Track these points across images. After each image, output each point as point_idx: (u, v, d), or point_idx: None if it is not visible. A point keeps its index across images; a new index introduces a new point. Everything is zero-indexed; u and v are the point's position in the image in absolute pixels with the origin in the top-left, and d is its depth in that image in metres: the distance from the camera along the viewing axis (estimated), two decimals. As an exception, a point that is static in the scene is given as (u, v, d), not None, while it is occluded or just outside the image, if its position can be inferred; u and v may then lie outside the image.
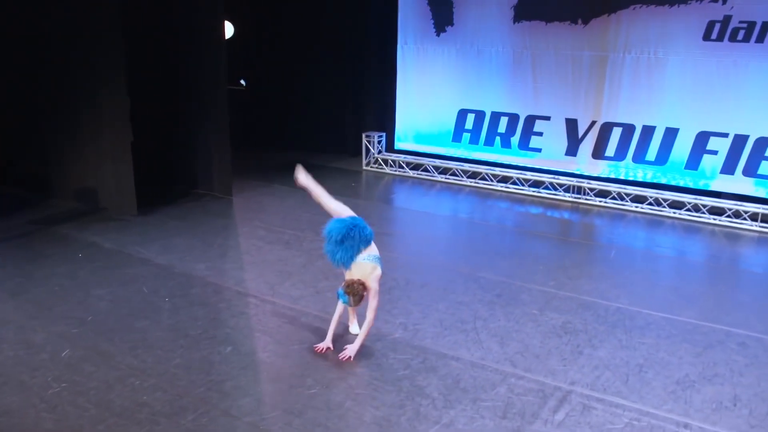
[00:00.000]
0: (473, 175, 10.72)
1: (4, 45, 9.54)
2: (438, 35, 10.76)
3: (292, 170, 10.03)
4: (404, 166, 11.40)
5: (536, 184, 10.21)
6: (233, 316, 6.22)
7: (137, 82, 9.81)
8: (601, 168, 9.78)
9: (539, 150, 10.26)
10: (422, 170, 11.27)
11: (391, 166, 11.52)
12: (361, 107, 12.03)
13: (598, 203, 9.66)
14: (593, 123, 9.70)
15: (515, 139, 10.43)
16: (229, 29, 12.94)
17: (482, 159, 10.79)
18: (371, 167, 11.68)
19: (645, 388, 4.99)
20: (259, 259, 7.62)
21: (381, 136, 11.64)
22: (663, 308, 6.36)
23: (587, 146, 9.82)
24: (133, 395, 4.91)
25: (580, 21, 9.46)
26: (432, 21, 10.75)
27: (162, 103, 10.09)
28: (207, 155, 9.98)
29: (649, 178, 9.43)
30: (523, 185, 10.26)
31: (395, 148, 11.75)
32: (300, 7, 12.15)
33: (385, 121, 11.84)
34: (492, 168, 10.61)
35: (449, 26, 10.61)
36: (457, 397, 4.89)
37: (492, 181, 10.52)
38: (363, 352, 5.50)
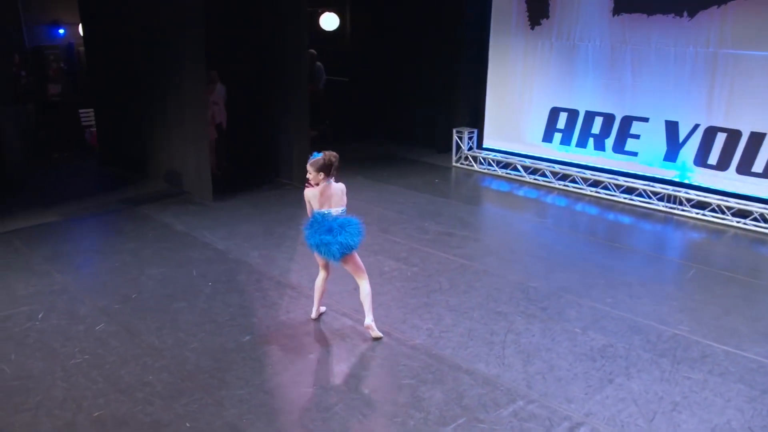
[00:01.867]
0: (563, 177, 10.07)
1: (111, 46, 10.38)
2: (532, 28, 10.18)
3: (380, 163, 10.02)
4: (493, 164, 10.95)
5: (629, 191, 9.39)
6: (264, 306, 6.24)
7: (231, 76, 10.30)
8: (702, 177, 8.80)
9: (635, 154, 9.42)
10: (511, 169, 10.76)
11: (480, 163, 11.11)
12: (453, 103, 11.68)
13: (694, 215, 8.71)
14: (696, 126, 8.74)
15: (609, 141, 9.65)
16: (333, 21, 13.14)
17: (573, 161, 10.09)
18: (461, 164, 11.33)
19: (671, 431, 4.38)
20: (306, 252, 7.51)
21: (472, 133, 11.25)
22: (727, 340, 5.59)
23: (688, 152, 8.88)
24: (141, 374, 5.06)
25: (685, 13, 8.54)
26: (527, 14, 10.18)
27: (252, 97, 10.46)
28: (288, 146, 10.14)
29: (755, 193, 8.34)
30: (614, 191, 9.48)
31: (484, 146, 11.31)
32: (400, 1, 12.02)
33: (478, 118, 11.42)
34: (582, 171, 9.90)
35: (544, 19, 10.00)
36: (454, 414, 4.57)
37: (582, 184, 9.82)
38: (373, 356, 5.30)
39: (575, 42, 9.70)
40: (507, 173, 10.74)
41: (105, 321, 5.91)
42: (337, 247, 5.24)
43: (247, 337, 5.65)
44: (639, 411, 4.60)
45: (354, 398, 4.78)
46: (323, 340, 5.61)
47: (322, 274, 5.75)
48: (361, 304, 5.61)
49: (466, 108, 11.57)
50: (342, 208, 5.38)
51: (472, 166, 11.17)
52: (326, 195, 5.30)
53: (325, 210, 5.31)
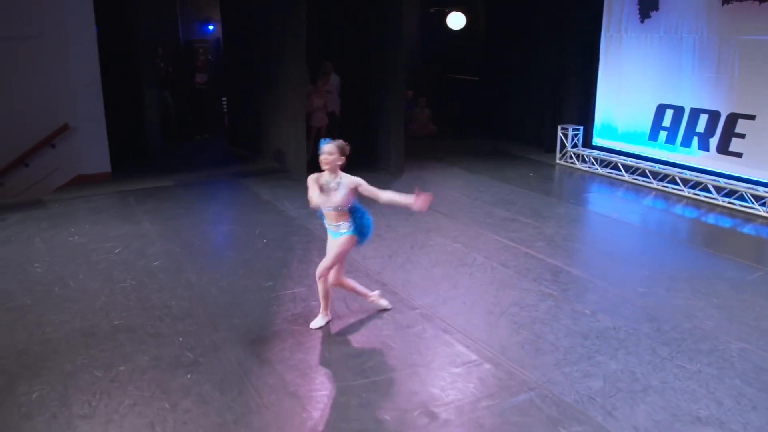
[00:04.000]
0: (663, 177, 9.50)
1: (239, 42, 11.67)
2: (642, 21, 9.73)
3: (483, 157, 10.26)
4: (595, 162, 10.58)
5: (730, 194, 8.65)
6: (300, 261, 6.72)
7: (342, 68, 11.10)
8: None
9: (740, 155, 8.65)
10: (612, 168, 10.33)
11: (584, 161, 10.78)
12: (561, 99, 11.43)
13: (796, 224, 7.85)
14: (807, 126, 7.88)
15: (714, 141, 8.95)
16: (460, 21, 13.44)
17: (675, 161, 9.47)
18: (564, 161, 11.07)
19: (618, 413, 4.17)
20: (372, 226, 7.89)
21: (577, 130, 10.95)
22: (752, 340, 5.09)
23: (798, 154, 8.02)
24: (167, 299, 5.79)
25: (800, 0, 7.76)
26: (637, 6, 9.75)
27: (357, 86, 11.14)
28: (385, 133, 10.63)
29: None
30: (715, 194, 8.78)
31: (593, 143, 10.94)
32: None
33: (586, 115, 11.09)
34: (683, 171, 9.27)
35: (654, 11, 9.51)
36: (409, 361, 4.71)
37: (681, 185, 9.20)
38: (371, 310, 5.57)
39: (682, 35, 9.13)
40: (608, 172, 10.32)
41: (162, 259, 6.75)
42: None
43: (270, 283, 6.16)
44: (602, 387, 4.41)
45: (334, 336, 5.09)
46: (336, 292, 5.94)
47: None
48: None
49: (574, 105, 11.27)
50: (339, 197, 4.89)
51: (575, 163, 10.86)
52: (327, 189, 4.92)
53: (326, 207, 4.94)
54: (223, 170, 10.74)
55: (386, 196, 4.97)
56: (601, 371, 4.61)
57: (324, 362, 4.78)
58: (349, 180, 4.94)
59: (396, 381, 4.49)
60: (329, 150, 4.88)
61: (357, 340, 5.10)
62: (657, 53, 9.56)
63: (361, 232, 5.11)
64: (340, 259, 5.20)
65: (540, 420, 4.05)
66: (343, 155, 4.92)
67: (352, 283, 5.48)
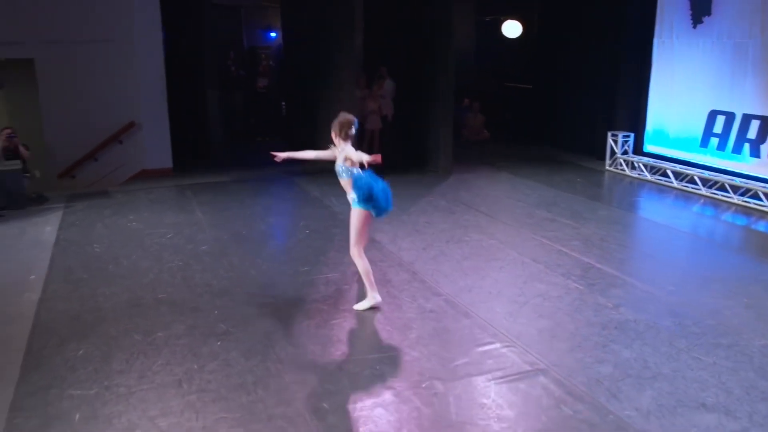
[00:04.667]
0: (713, 185, 9.36)
1: (297, 49, 12.13)
2: (694, 27, 9.63)
3: (533, 163, 10.51)
4: (645, 169, 10.49)
5: (781, 202, 8.47)
6: (339, 252, 7.00)
7: (396, 73, 11.47)
8: None
9: (792, 161, 8.47)
10: (661, 174, 10.23)
11: (633, 168, 10.71)
12: (612, 106, 11.38)
13: None
14: None
15: (765, 147, 8.77)
16: (515, 29, 13.59)
17: (726, 168, 9.31)
18: (614, 168, 11.02)
19: (623, 396, 4.25)
20: (411, 221, 8.14)
21: (627, 137, 10.89)
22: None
23: None
24: (209, 279, 6.20)
25: None
26: (690, 12, 9.67)
27: (409, 94, 11.46)
28: (435, 137, 10.88)
29: None
30: (766, 201, 8.59)
31: (644, 150, 10.86)
32: (571, 5, 12.07)
33: (637, 122, 11.02)
34: (733, 178, 9.11)
35: (706, 16, 9.41)
36: (427, 341, 4.92)
37: (732, 193, 9.05)
38: (400, 295, 5.80)
39: (736, 40, 9.00)
40: (657, 179, 10.22)
41: (210, 245, 7.19)
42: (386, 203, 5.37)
43: (306, 268, 6.49)
44: (612, 373, 4.50)
45: (359, 316, 5.35)
46: (362, 284, 6.19)
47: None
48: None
49: (625, 112, 11.21)
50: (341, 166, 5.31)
51: (625, 170, 10.80)
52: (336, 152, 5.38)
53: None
54: (278, 169, 11.07)
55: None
56: (614, 358, 4.69)
57: (345, 338, 5.05)
58: (346, 151, 5.22)
59: (411, 357, 4.70)
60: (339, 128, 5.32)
61: (380, 320, 5.33)
62: (709, 59, 9.45)
63: (366, 202, 5.26)
64: (358, 234, 5.34)
65: (543, 398, 4.18)
66: (337, 130, 5.34)
67: (367, 265, 5.45)
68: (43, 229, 7.74)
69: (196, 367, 4.53)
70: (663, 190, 9.92)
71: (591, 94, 11.76)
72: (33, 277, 6.24)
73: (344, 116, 5.43)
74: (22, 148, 9.20)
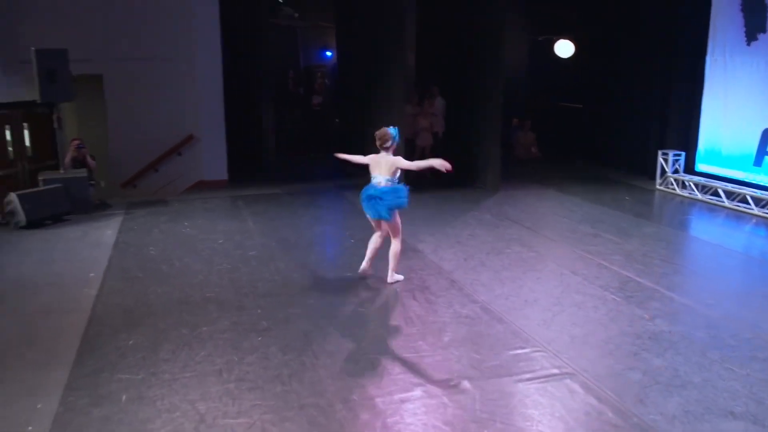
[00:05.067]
0: (766, 204, 9.18)
1: (349, 68, 12.50)
2: (748, 44, 9.51)
3: (582, 181, 10.73)
4: (695, 188, 10.35)
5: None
6: (381, 259, 7.13)
7: (447, 91, 11.70)
8: None
9: None
10: (712, 194, 10.08)
11: (684, 187, 10.58)
12: (664, 125, 11.29)
13: None
14: None
15: (820, 166, 8.58)
16: (568, 48, 13.66)
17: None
18: (665, 187, 10.90)
19: (649, 401, 4.28)
20: (454, 234, 8.28)
21: (678, 156, 10.78)
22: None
23: None
24: (255, 281, 6.50)
25: None
26: (743, 29, 9.56)
27: (459, 111, 11.65)
28: (483, 154, 11.03)
29: None
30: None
31: (696, 169, 10.71)
32: (622, 24, 12.07)
33: (689, 141, 10.89)
34: (787, 198, 8.92)
35: (761, 33, 9.29)
36: (458, 343, 5.05)
37: (785, 213, 8.86)
38: (435, 301, 5.95)
39: (791, 57, 8.89)
40: (708, 198, 10.07)
41: (258, 250, 7.50)
42: (370, 211, 6.22)
43: (349, 273, 6.71)
44: (641, 379, 4.53)
45: (396, 318, 5.53)
46: (401, 290, 6.37)
47: (376, 233, 6.49)
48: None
49: (677, 131, 11.10)
50: (384, 177, 6.07)
51: (675, 189, 10.67)
52: (375, 161, 6.16)
53: (374, 175, 6.16)
54: (329, 183, 11.51)
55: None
56: (644, 366, 4.72)
57: (380, 338, 5.22)
58: (392, 160, 6.15)
59: (442, 358, 4.83)
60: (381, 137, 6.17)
61: (415, 323, 5.48)
62: (764, 76, 9.31)
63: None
64: (398, 227, 6.34)
65: (569, 399, 4.25)
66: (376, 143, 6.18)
67: (377, 246, 6.47)
68: (104, 233, 8.22)
69: (236, 359, 4.78)
70: (714, 209, 9.77)
71: (642, 112, 11.70)
72: (92, 274, 6.66)
73: (379, 131, 6.17)
74: (89, 158, 9.79)
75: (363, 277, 6.52)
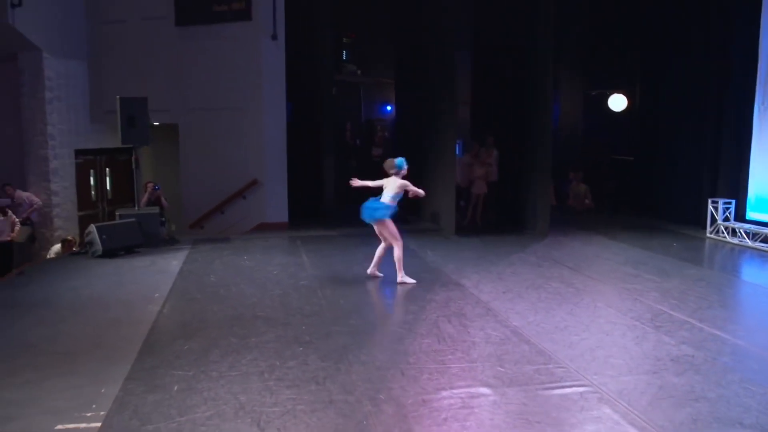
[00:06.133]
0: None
1: (406, 121, 13.17)
2: (796, 90, 9.67)
3: (630, 229, 11.79)
4: (745, 235, 10.35)
5: None
6: (423, 290, 7.60)
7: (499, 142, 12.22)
8: None
9: None
10: (762, 241, 10.05)
11: (735, 235, 10.59)
12: (715, 175, 11.38)
13: None
14: None
15: None
16: (621, 102, 14.01)
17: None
18: (715, 235, 10.92)
19: (659, 410, 4.48)
20: (497, 271, 8.59)
21: (728, 204, 10.82)
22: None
23: None
24: (303, 305, 7.00)
25: None
26: (791, 75, 9.74)
27: (511, 159, 12.10)
28: (533, 201, 11.38)
29: None
30: None
31: (746, 217, 10.72)
32: (672, 76, 12.36)
33: (739, 189, 10.94)
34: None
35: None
36: (484, 357, 5.37)
37: (836, 259, 8.78)
38: (472, 326, 6.30)
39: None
40: (759, 245, 10.03)
41: (309, 281, 8.04)
42: (366, 214, 7.88)
43: (390, 300, 7.15)
44: (655, 393, 4.72)
45: (427, 335, 5.90)
46: (438, 315, 6.74)
47: (382, 244, 8.08)
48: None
49: (728, 180, 11.17)
50: (390, 194, 7.80)
51: (726, 237, 10.68)
52: (386, 183, 7.91)
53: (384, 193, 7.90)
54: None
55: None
56: (660, 382, 4.91)
57: (412, 352, 5.58)
58: (399, 182, 7.88)
59: (466, 367, 5.17)
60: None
61: (447, 341, 5.81)
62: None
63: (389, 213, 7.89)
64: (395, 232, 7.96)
65: (577, 404, 4.50)
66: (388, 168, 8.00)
67: (381, 254, 8.08)
68: (170, 262, 8.96)
69: (278, 363, 5.26)
70: (764, 255, 9.73)
71: (693, 163, 11.82)
72: (157, 295, 7.33)
73: (387, 161, 8.05)
74: (163, 199, 10.70)
75: (372, 277, 8.08)
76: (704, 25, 11.56)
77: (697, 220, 11.65)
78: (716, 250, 10.28)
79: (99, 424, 4.22)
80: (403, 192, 7.86)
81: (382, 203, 7.82)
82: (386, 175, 7.95)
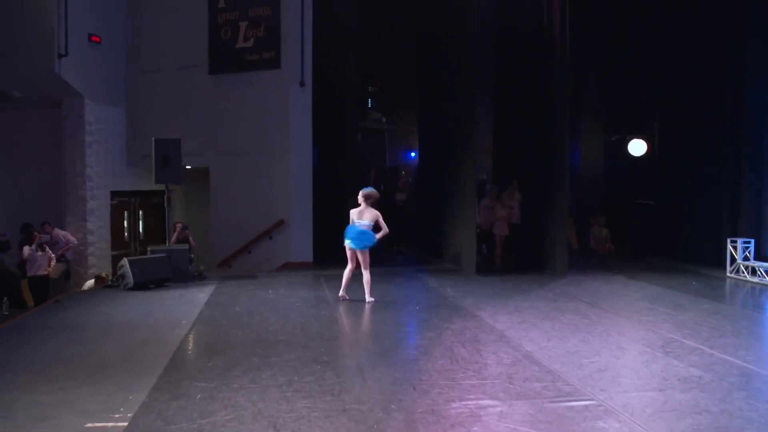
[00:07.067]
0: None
1: (428, 166, 13.59)
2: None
3: (650, 270, 11.98)
4: (765, 275, 10.39)
5: None
6: (440, 320, 7.81)
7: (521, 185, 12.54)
8: None
9: None
10: (781, 279, 10.09)
11: (755, 274, 10.63)
12: (735, 215, 11.50)
13: None
14: None
15: None
16: (641, 148, 14.29)
17: None
18: (734, 275, 10.96)
19: (662, 421, 4.62)
20: (514, 305, 8.76)
21: (747, 243, 10.89)
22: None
23: None
24: (324, 331, 7.25)
25: None
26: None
27: (531, 204, 12.38)
28: (552, 245, 11.60)
29: None
30: None
31: (767, 255, 10.78)
32: (690, 120, 12.64)
33: (760, 228, 11.04)
34: None
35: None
36: (495, 376, 5.56)
37: None
38: (490, 352, 6.50)
39: None
40: (776, 284, 10.08)
41: (331, 311, 8.32)
42: (356, 243, 8.55)
43: (407, 329, 7.38)
44: (659, 407, 4.85)
45: (440, 357, 6.11)
46: (453, 341, 6.94)
47: (349, 266, 8.78)
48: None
49: (747, 220, 11.28)
50: (367, 222, 8.55)
51: (746, 276, 10.72)
52: (361, 212, 8.60)
53: (357, 221, 8.60)
54: (407, 268, 12.34)
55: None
56: (665, 398, 5.04)
57: (425, 370, 5.78)
58: (373, 213, 8.67)
59: (476, 383, 5.36)
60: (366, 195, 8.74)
61: (459, 363, 6.00)
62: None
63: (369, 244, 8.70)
64: (368, 260, 8.83)
65: (580, 416, 4.66)
66: (364, 199, 8.71)
67: (350, 277, 8.91)
68: (198, 295, 9.32)
69: (296, 378, 5.51)
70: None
71: (712, 204, 11.95)
72: (184, 321, 7.66)
73: (365, 190, 8.78)
74: (191, 239, 11.14)
75: (342, 300, 8.86)
76: (720, 68, 11.87)
77: (718, 261, 11.70)
78: (735, 288, 10.32)
79: (125, 424, 4.50)
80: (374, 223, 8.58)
81: (370, 233, 8.55)
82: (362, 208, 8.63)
